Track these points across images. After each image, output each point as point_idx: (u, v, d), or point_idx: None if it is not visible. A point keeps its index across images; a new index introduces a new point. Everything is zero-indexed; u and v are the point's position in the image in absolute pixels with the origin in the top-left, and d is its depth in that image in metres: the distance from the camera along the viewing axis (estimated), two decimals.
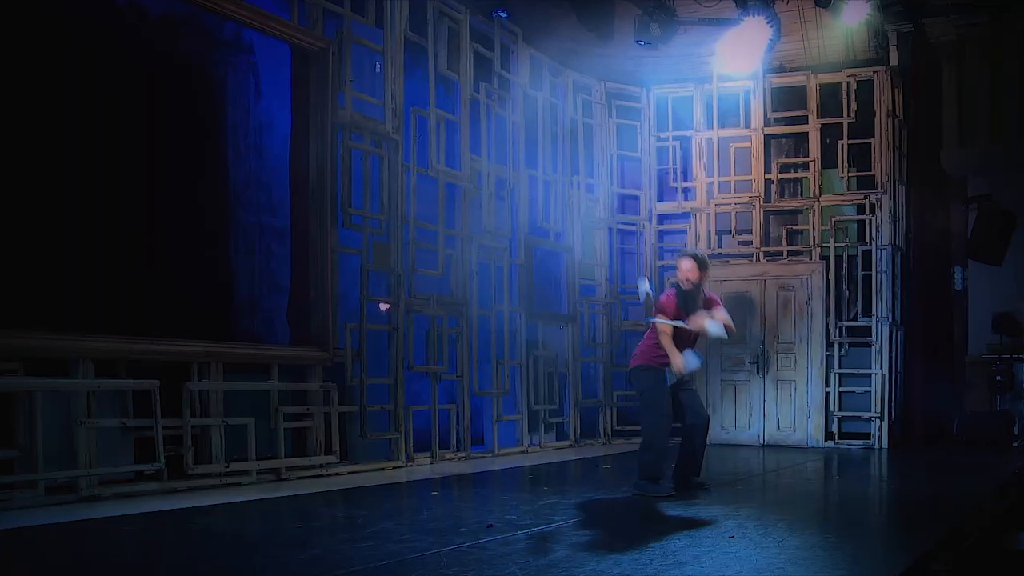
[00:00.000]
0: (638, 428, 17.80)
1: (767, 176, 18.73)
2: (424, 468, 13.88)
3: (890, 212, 17.88)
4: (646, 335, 11.10)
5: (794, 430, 18.01)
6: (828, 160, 18.45)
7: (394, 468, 13.62)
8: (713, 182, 18.99)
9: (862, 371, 17.74)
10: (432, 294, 14.59)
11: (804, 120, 18.58)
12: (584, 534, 8.21)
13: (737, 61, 17.56)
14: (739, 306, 17.89)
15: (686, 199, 19.29)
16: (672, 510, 9.80)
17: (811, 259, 18.20)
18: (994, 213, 18.40)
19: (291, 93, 13.38)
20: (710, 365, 17.85)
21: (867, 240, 17.96)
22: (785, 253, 18.44)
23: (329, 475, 12.59)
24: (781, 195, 18.78)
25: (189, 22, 14.28)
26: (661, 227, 19.54)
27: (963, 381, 18.88)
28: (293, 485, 11.67)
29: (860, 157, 18.25)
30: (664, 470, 10.85)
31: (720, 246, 18.83)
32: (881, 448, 17.38)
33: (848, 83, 18.21)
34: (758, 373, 18.11)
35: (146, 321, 11.84)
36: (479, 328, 15.59)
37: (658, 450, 10.80)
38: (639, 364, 11.07)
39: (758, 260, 18.47)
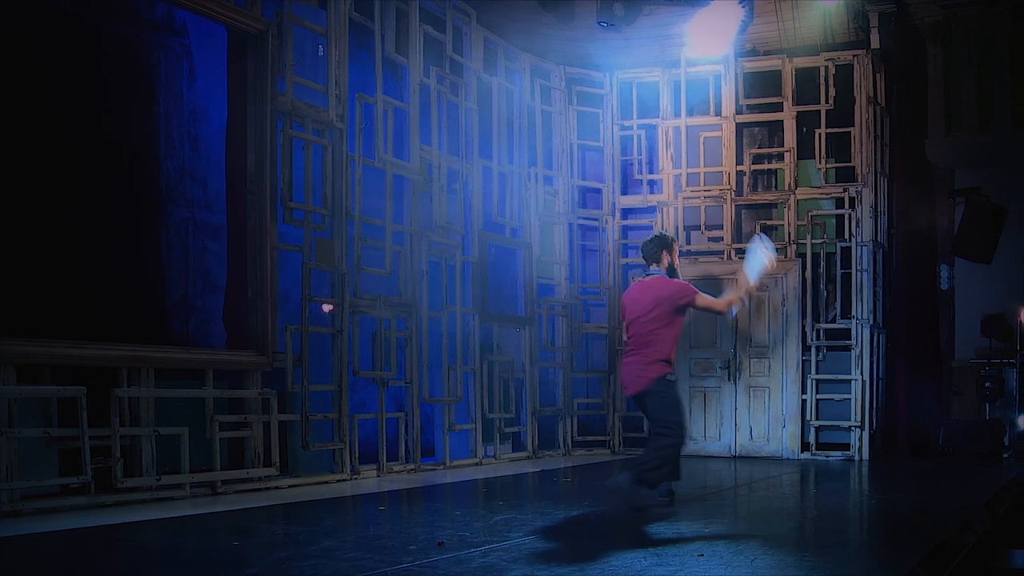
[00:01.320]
0: (602, 439, 18.26)
1: (739, 167, 18.87)
2: (370, 481, 13.98)
3: (871, 206, 18.04)
4: (651, 341, 11.04)
5: (768, 440, 18.12)
6: (804, 150, 18.63)
7: (338, 481, 13.71)
8: (681, 174, 19.13)
9: (841, 377, 17.86)
10: (379, 294, 14.69)
11: (779, 107, 18.72)
12: (543, 552, 8.23)
13: (707, 44, 17.80)
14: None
15: (652, 192, 19.43)
16: (637, 526, 9.89)
17: (786, 257, 18.24)
18: (983, 207, 18.58)
19: (227, 78, 13.41)
20: (677, 370, 17.91)
21: (846, 236, 18.08)
22: None
23: (268, 489, 12.66)
24: (754, 188, 18.92)
25: (117, 1, 14.32)
26: (625, 222, 19.70)
27: (950, 388, 19.02)
28: (230, 499, 11.74)
29: (839, 147, 18.42)
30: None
31: (688, 243, 18.96)
32: (861, 460, 17.52)
33: (826, 67, 18.34)
34: (729, 379, 18.24)
35: (71, 323, 11.89)
36: (429, 331, 15.68)
37: (679, 457, 10.97)
38: (664, 373, 11.03)
39: (729, 257, 18.59)
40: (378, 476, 14.42)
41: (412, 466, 15.15)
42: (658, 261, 11.26)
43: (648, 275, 11.35)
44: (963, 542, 9.44)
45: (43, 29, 13.16)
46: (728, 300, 11.24)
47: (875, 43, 18.22)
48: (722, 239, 18.77)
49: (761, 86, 18.96)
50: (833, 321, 18.11)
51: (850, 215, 18.05)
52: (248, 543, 8.88)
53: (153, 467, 11.43)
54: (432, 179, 15.80)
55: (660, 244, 11.36)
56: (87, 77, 13.66)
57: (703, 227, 18.94)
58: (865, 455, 17.62)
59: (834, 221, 18.46)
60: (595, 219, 19.56)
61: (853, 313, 17.91)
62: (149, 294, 14.84)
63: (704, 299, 11.15)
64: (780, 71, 18.63)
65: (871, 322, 17.88)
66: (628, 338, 11.25)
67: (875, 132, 18.20)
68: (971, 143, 18.62)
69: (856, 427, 17.69)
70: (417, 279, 15.38)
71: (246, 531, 9.66)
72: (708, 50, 18.09)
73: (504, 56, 17.82)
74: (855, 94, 18.21)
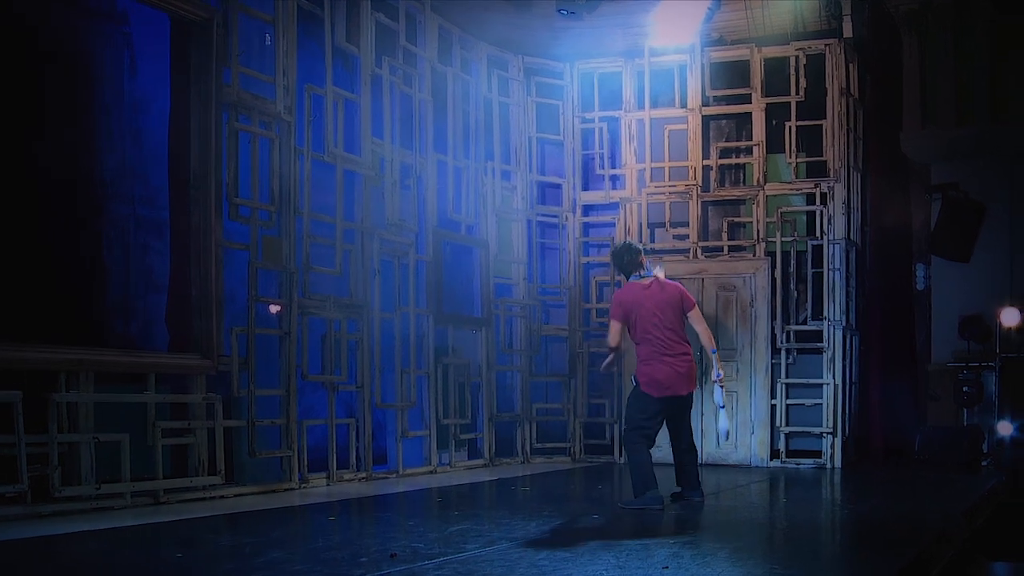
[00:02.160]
0: (562, 446, 18.45)
1: (705, 162, 18.86)
2: (320, 490, 14.08)
3: (844, 202, 18.07)
4: (681, 340, 12.39)
5: (736, 447, 18.09)
6: (774, 144, 18.62)
7: (286, 490, 13.79)
8: (645, 169, 19.16)
9: (812, 381, 17.90)
10: (329, 295, 14.77)
11: (747, 99, 18.76)
12: (500, 565, 8.28)
13: (672, 32, 17.87)
14: None
15: (614, 188, 19.47)
16: (599, 537, 10.00)
17: (755, 255, 18.35)
18: (961, 204, 18.76)
19: (170, 69, 13.42)
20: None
21: (818, 234, 18.10)
22: (726, 248, 18.62)
23: (213, 498, 12.73)
24: (721, 183, 18.96)
25: None
26: (586, 219, 19.77)
27: (926, 392, 19.15)
28: (173, 509, 11.79)
29: (810, 140, 18.43)
30: None
31: (652, 241, 18.94)
32: (834, 467, 17.57)
33: (797, 57, 18.32)
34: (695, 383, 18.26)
35: (5, 324, 11.87)
36: (382, 333, 15.73)
37: None
38: None
39: (695, 256, 18.65)
40: (328, 485, 14.50)
41: (363, 474, 15.24)
42: (641, 265, 12.06)
43: (643, 277, 12.39)
44: (940, 553, 9.57)
45: None
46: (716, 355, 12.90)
47: (848, 32, 18.11)
48: (688, 237, 18.75)
49: (728, 77, 19.00)
50: (804, 323, 18.09)
51: (822, 212, 18.05)
52: (192, 555, 8.95)
53: (93, 475, 11.43)
54: (384, 174, 15.84)
55: (636, 251, 12.58)
56: (18, 67, 13.62)
57: (668, 224, 18.92)
58: (837, 463, 17.66)
59: (805, 218, 18.54)
60: (555, 216, 19.61)
61: (825, 314, 17.90)
62: (88, 294, 14.78)
63: (700, 316, 12.75)
64: (748, 61, 18.66)
65: (844, 324, 17.92)
66: (649, 338, 12.24)
67: (848, 125, 18.24)
68: (948, 136, 18.77)
69: (828, 433, 17.71)
70: (369, 279, 15.43)
71: (190, 542, 9.72)
72: (673, 39, 18.15)
73: (460, 45, 17.88)
74: (827, 85, 18.20)
